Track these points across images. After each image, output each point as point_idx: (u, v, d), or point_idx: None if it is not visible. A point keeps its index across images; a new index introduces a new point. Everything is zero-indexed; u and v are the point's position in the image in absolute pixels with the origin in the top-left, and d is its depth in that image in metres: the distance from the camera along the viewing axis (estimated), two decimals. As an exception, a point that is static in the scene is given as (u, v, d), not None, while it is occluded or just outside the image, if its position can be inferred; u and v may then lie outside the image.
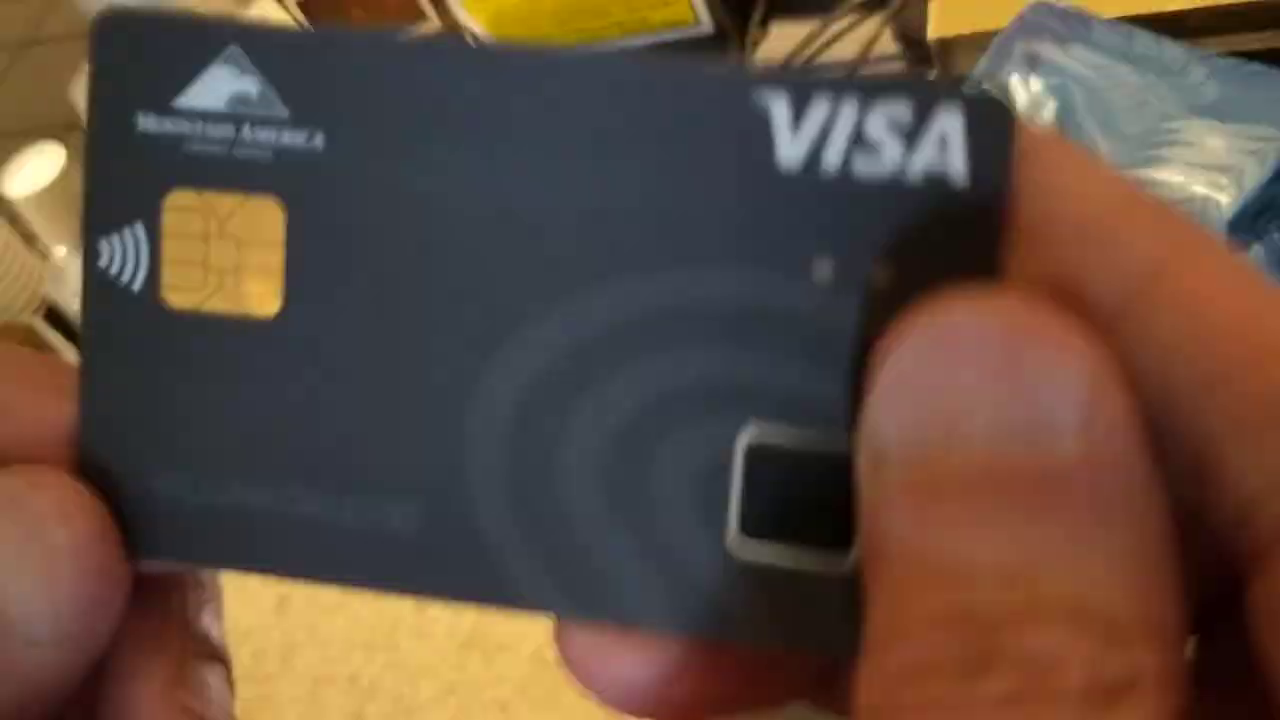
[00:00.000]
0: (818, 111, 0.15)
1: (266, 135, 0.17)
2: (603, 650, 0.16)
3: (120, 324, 0.17)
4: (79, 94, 1.07)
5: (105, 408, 0.17)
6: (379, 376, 0.16)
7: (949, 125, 0.14)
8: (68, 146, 1.11)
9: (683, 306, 0.15)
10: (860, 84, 0.15)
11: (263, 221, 0.17)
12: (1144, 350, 0.13)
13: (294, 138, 0.17)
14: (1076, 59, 0.35)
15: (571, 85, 0.16)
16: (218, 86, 0.17)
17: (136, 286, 0.17)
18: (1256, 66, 0.34)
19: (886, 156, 0.14)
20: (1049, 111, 0.35)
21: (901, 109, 0.14)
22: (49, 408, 0.17)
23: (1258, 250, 0.32)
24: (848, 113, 0.15)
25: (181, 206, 0.17)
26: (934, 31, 0.44)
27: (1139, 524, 0.13)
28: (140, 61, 0.17)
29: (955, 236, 0.14)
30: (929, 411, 0.13)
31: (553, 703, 0.55)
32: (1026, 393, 0.13)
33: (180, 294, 0.17)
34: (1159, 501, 0.13)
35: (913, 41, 0.64)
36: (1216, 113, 0.33)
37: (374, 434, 0.16)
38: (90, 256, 0.17)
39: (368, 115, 0.16)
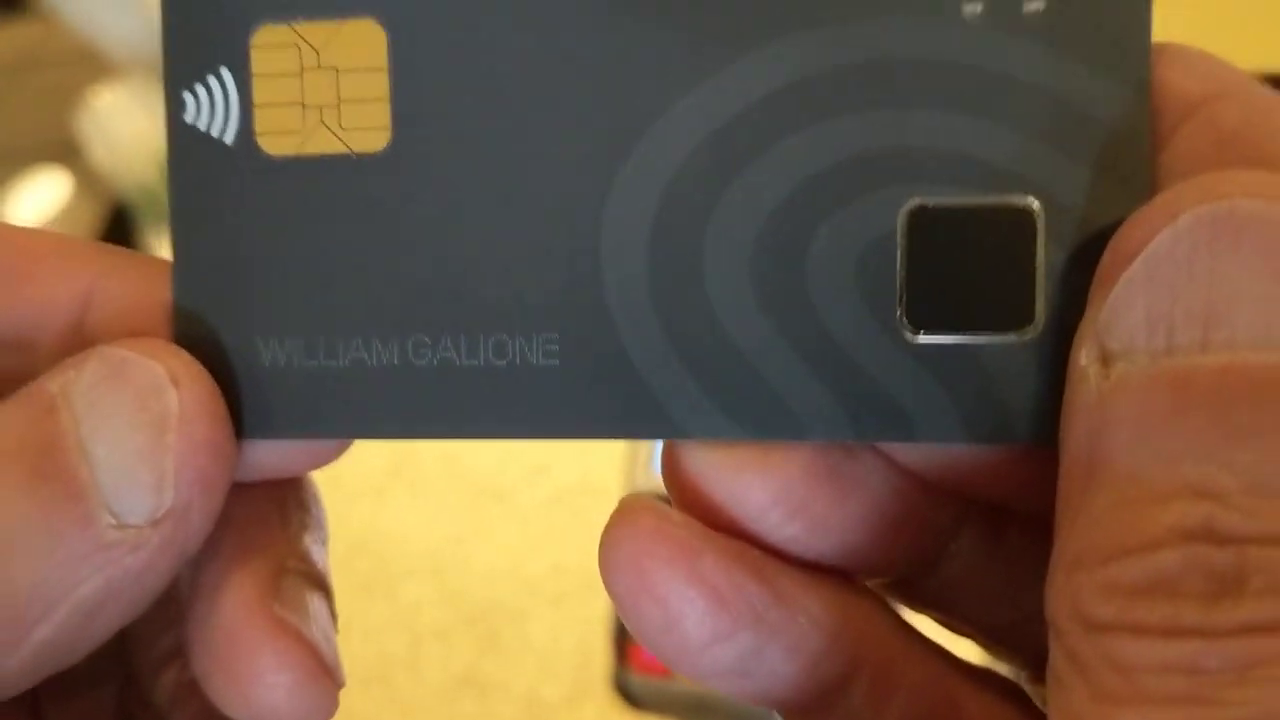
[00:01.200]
0: None
1: None
2: (732, 472, 0.15)
3: (213, 181, 0.15)
4: (84, 119, 1.07)
5: (202, 277, 0.16)
6: (502, 201, 0.15)
7: None
8: (72, 170, 1.11)
9: (822, 70, 0.14)
10: None
11: (363, 46, 0.15)
12: None
13: None
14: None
15: None
16: None
17: (229, 138, 0.15)
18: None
19: None
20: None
21: None
22: (146, 291, 0.16)
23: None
24: None
25: (270, 43, 0.15)
26: None
27: None
28: None
29: None
30: (1188, 305, 0.12)
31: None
32: None
33: (277, 139, 0.15)
34: None
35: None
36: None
37: (501, 263, 0.15)
38: (174, 111, 0.15)
39: None
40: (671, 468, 0.15)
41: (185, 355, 0.15)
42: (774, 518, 0.15)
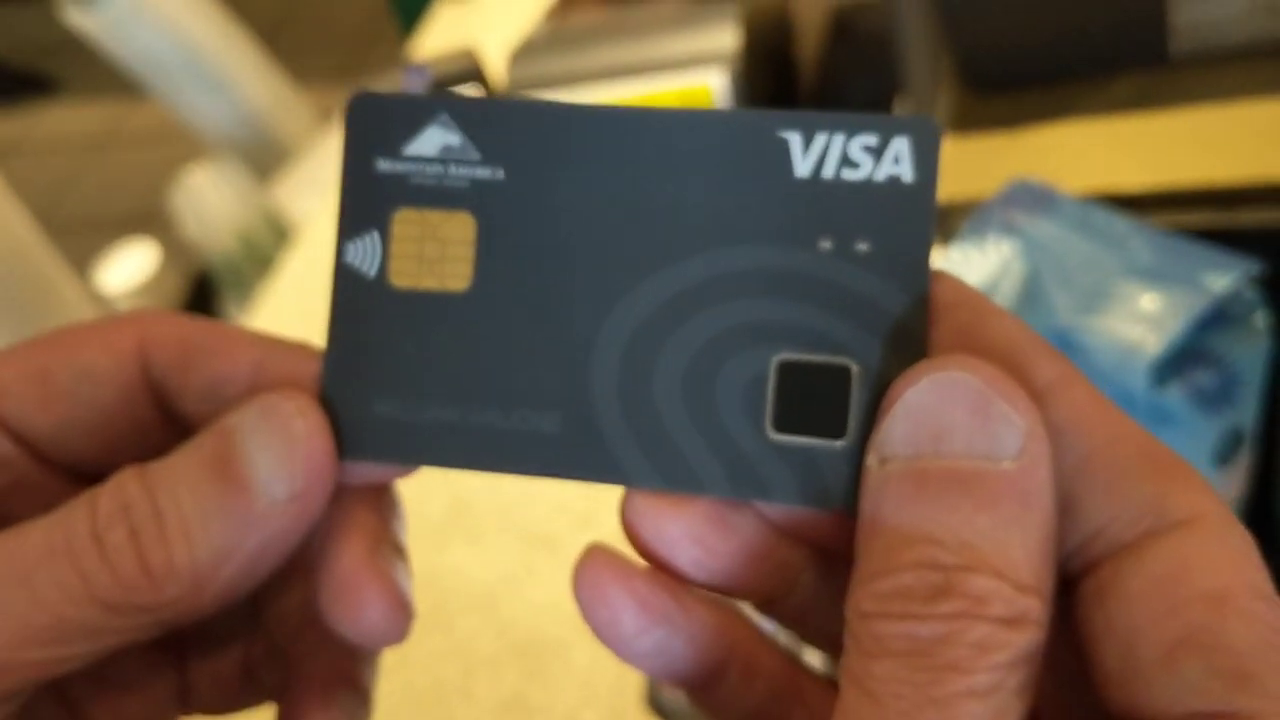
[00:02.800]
0: (819, 140, 0.20)
1: (465, 171, 0.22)
2: (659, 513, 0.21)
3: (358, 300, 0.22)
4: (177, 194, 1.13)
5: (343, 356, 0.22)
6: (535, 328, 0.22)
7: (900, 146, 0.20)
8: (161, 241, 1.16)
9: (734, 273, 0.21)
10: (846, 122, 0.20)
11: (460, 228, 0.22)
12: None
13: (483, 172, 0.22)
14: (1042, 228, 0.42)
15: (663, 127, 0.21)
16: (433, 140, 0.22)
17: (371, 274, 0.22)
18: (1182, 240, 0.41)
19: (863, 167, 0.20)
20: (1018, 268, 0.42)
21: (871, 138, 0.20)
22: (301, 365, 0.23)
23: (1178, 386, 0.39)
24: (839, 140, 0.20)
25: (405, 220, 0.22)
26: None
27: (1041, 522, 0.18)
28: (379, 124, 0.22)
29: (906, 215, 0.20)
30: (925, 430, 0.18)
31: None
32: (990, 427, 0.18)
33: (401, 277, 0.22)
34: (1053, 511, 0.18)
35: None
36: (1148, 276, 0.40)
37: (530, 367, 0.22)
38: (341, 254, 0.22)
39: (531, 155, 0.22)
40: (624, 511, 0.21)
41: (312, 401, 0.22)
42: (683, 546, 0.21)
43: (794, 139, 0.21)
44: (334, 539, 0.23)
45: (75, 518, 0.21)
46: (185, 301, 1.16)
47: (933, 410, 0.18)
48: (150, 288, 1.10)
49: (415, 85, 0.81)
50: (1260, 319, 0.40)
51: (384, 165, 0.22)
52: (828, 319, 0.20)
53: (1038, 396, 0.18)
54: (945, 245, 0.47)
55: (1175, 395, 0.39)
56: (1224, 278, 0.39)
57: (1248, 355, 0.40)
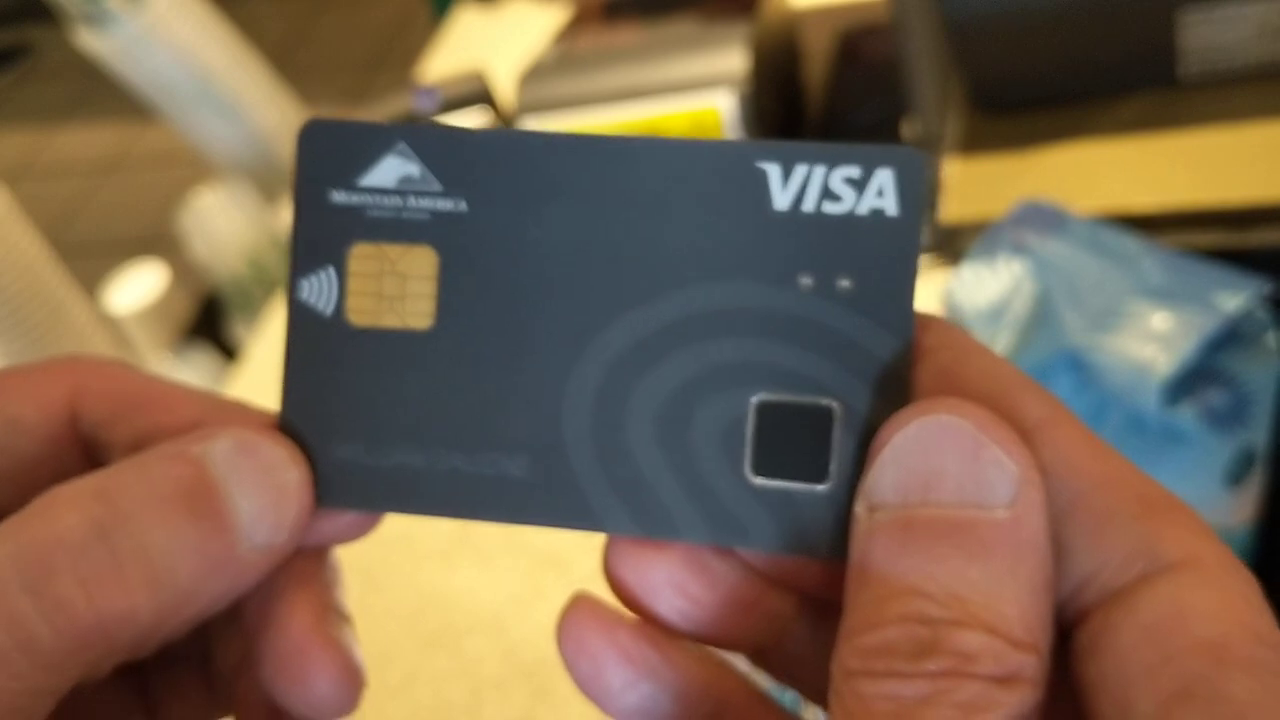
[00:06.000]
0: (799, 172, 0.20)
1: (425, 203, 0.21)
2: (639, 560, 0.20)
3: (314, 340, 0.21)
4: (185, 216, 1.13)
5: (300, 398, 0.21)
6: (502, 369, 0.21)
7: (884, 178, 0.19)
8: (169, 263, 1.16)
9: (711, 310, 0.20)
10: (827, 153, 0.19)
11: (421, 263, 0.21)
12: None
13: (444, 203, 0.21)
14: (1052, 248, 0.42)
15: (635, 157, 0.20)
16: (390, 170, 0.21)
17: (328, 312, 0.21)
18: (1193, 260, 0.41)
19: (845, 201, 0.19)
20: (1029, 288, 0.42)
21: (854, 169, 0.19)
22: (246, 419, 0.21)
23: (1190, 405, 0.39)
24: (819, 172, 0.19)
25: (362, 255, 0.21)
26: (945, 217, 0.51)
27: (1036, 574, 0.17)
28: (333, 153, 0.21)
29: (889, 250, 0.19)
30: (914, 477, 0.17)
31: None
32: (981, 474, 0.17)
33: (360, 315, 0.21)
34: (1049, 561, 0.17)
35: (934, 214, 0.71)
36: (1160, 296, 0.40)
37: (497, 409, 0.21)
38: (294, 290, 0.21)
39: (496, 185, 0.21)
40: (607, 559, 0.21)
41: (293, 446, 0.21)
42: (666, 595, 0.20)
43: (773, 170, 0.20)
44: (278, 604, 0.21)
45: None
46: (193, 323, 1.16)
47: (922, 456, 0.17)
48: (158, 309, 1.10)
49: (425, 107, 0.81)
50: (1272, 339, 0.40)
51: (339, 197, 0.21)
52: (808, 359, 0.20)
53: (1026, 435, 0.18)
54: (955, 265, 0.47)
55: (1187, 415, 0.39)
56: (1235, 298, 0.40)
57: (1259, 375, 0.40)
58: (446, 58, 1.15)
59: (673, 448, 0.20)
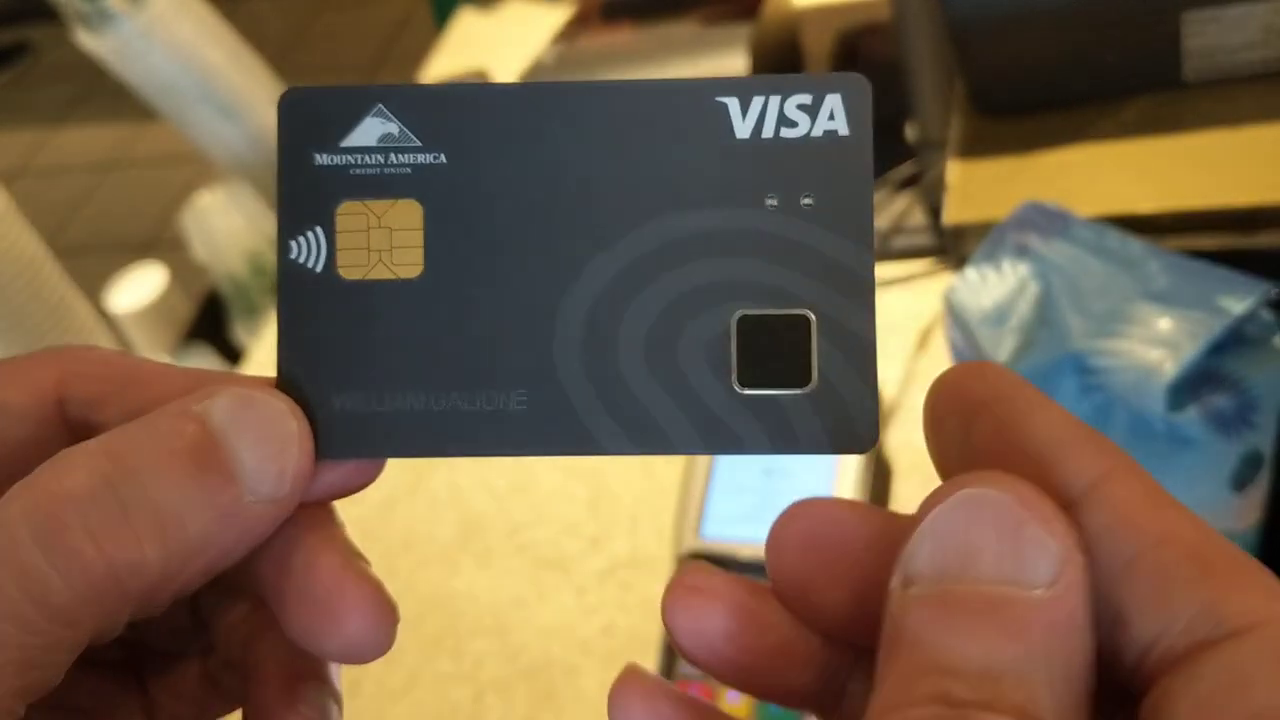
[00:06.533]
0: (756, 103, 0.21)
1: (406, 158, 0.22)
2: (691, 610, 0.20)
3: (307, 297, 0.22)
4: (186, 216, 1.13)
5: (297, 355, 0.22)
6: (493, 308, 0.22)
7: (833, 103, 0.21)
8: (170, 263, 1.16)
9: (687, 236, 0.21)
10: (779, 83, 0.21)
11: (407, 215, 0.22)
12: (1087, 532, 0.17)
13: (424, 157, 0.22)
14: (1056, 250, 0.42)
15: (604, 101, 0.22)
16: (370, 130, 0.22)
17: (318, 268, 0.22)
18: (1198, 263, 0.41)
19: (801, 125, 0.21)
20: (1033, 290, 0.42)
21: (805, 97, 0.21)
22: (249, 379, 0.22)
23: (1196, 409, 0.39)
24: (774, 101, 0.21)
25: (349, 212, 0.22)
26: (948, 219, 0.51)
27: (1073, 657, 0.16)
28: (314, 118, 0.22)
29: (845, 167, 0.21)
30: (952, 552, 0.17)
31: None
32: (1021, 551, 0.16)
33: (351, 270, 0.22)
34: (1088, 644, 0.16)
35: (938, 216, 0.70)
36: (1165, 299, 0.40)
37: (492, 347, 0.22)
38: (283, 250, 0.22)
39: (473, 137, 0.22)
40: (665, 612, 0.21)
41: (292, 401, 0.21)
42: (719, 645, 0.20)
43: (732, 103, 0.21)
44: (299, 551, 0.22)
45: (9, 519, 0.19)
46: (193, 323, 1.16)
47: (961, 530, 0.17)
48: (158, 309, 1.10)
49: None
50: (1278, 341, 0.40)
51: (322, 159, 0.22)
52: (781, 273, 0.21)
53: (1081, 494, 0.17)
54: (959, 268, 0.47)
55: (1193, 418, 0.39)
56: (1240, 300, 0.39)
57: (1265, 378, 0.40)
58: (448, 59, 1.15)
59: (662, 368, 0.21)
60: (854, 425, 0.21)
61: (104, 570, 0.19)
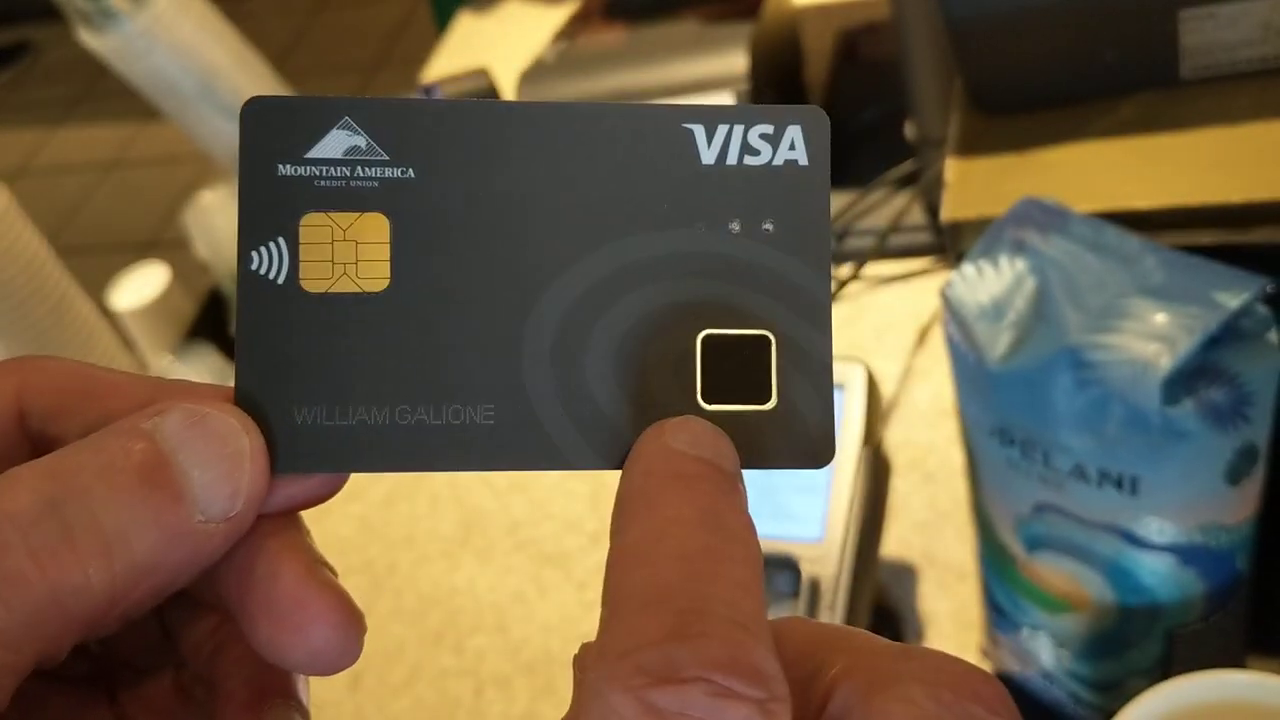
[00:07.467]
0: (721, 131, 0.22)
1: (373, 171, 0.22)
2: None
3: (267, 307, 0.22)
4: (189, 215, 1.13)
5: (256, 368, 0.22)
6: (461, 322, 0.22)
7: (794, 133, 0.22)
8: (173, 262, 1.16)
9: (653, 257, 0.22)
10: (743, 113, 0.22)
11: (374, 229, 0.22)
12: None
13: (392, 171, 0.22)
14: (1054, 246, 0.43)
15: (572, 122, 0.22)
16: (337, 143, 0.22)
17: (280, 279, 0.22)
18: (1194, 259, 0.42)
19: (763, 154, 0.22)
20: (1030, 285, 0.42)
21: (767, 127, 0.22)
22: (200, 394, 0.21)
23: (1191, 403, 0.39)
24: (738, 130, 0.22)
25: (314, 224, 0.22)
26: (946, 215, 0.51)
27: None
28: (278, 128, 0.22)
29: (804, 194, 0.22)
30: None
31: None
32: None
33: (314, 283, 0.22)
34: None
35: (937, 215, 0.71)
36: (1161, 294, 0.40)
37: (459, 361, 0.22)
38: (243, 261, 0.22)
39: (439, 152, 0.22)
40: None
41: (245, 415, 0.21)
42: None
43: (698, 130, 0.22)
44: (262, 562, 0.21)
45: None
46: (195, 322, 1.16)
47: None
48: (160, 308, 1.10)
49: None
50: (1273, 336, 0.40)
51: (285, 169, 0.22)
52: (743, 295, 0.22)
53: None
54: (956, 264, 0.47)
55: (1188, 413, 0.39)
56: (1236, 295, 0.40)
57: (1260, 372, 0.40)
58: (448, 60, 1.16)
59: (629, 384, 0.22)
60: (812, 442, 0.22)
61: (46, 593, 0.19)
